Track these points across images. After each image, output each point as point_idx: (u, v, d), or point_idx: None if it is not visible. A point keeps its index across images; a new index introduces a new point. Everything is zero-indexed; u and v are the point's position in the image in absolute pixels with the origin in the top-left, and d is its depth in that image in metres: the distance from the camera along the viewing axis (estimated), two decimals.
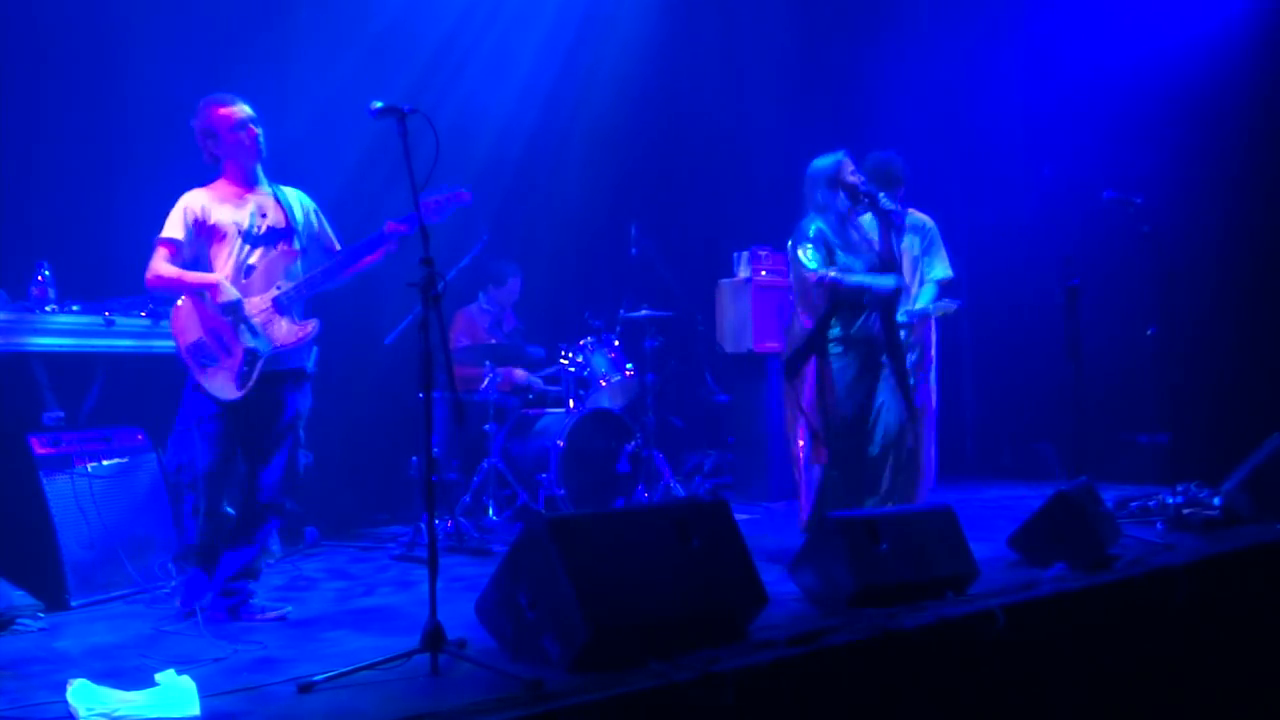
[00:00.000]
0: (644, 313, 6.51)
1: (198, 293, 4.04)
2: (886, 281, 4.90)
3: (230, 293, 4.00)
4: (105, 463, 4.59)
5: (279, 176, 4.40)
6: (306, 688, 3.00)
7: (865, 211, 5.05)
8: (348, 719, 2.81)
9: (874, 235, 5.01)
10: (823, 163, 5.08)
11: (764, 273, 7.29)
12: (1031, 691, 3.73)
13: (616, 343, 6.64)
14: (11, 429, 4.43)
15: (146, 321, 4.89)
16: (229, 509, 4.27)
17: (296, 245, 4.19)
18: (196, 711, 2.82)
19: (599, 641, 3.04)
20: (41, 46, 5.53)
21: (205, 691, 2.93)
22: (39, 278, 4.63)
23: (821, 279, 4.85)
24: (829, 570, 3.82)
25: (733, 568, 3.50)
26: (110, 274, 5.33)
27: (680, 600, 3.32)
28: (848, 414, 4.81)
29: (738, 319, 7.33)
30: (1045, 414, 7.62)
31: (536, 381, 6.78)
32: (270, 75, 6.22)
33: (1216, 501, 5.41)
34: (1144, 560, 4.46)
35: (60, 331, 4.61)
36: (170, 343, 4.96)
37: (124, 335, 4.83)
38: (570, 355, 6.55)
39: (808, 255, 4.97)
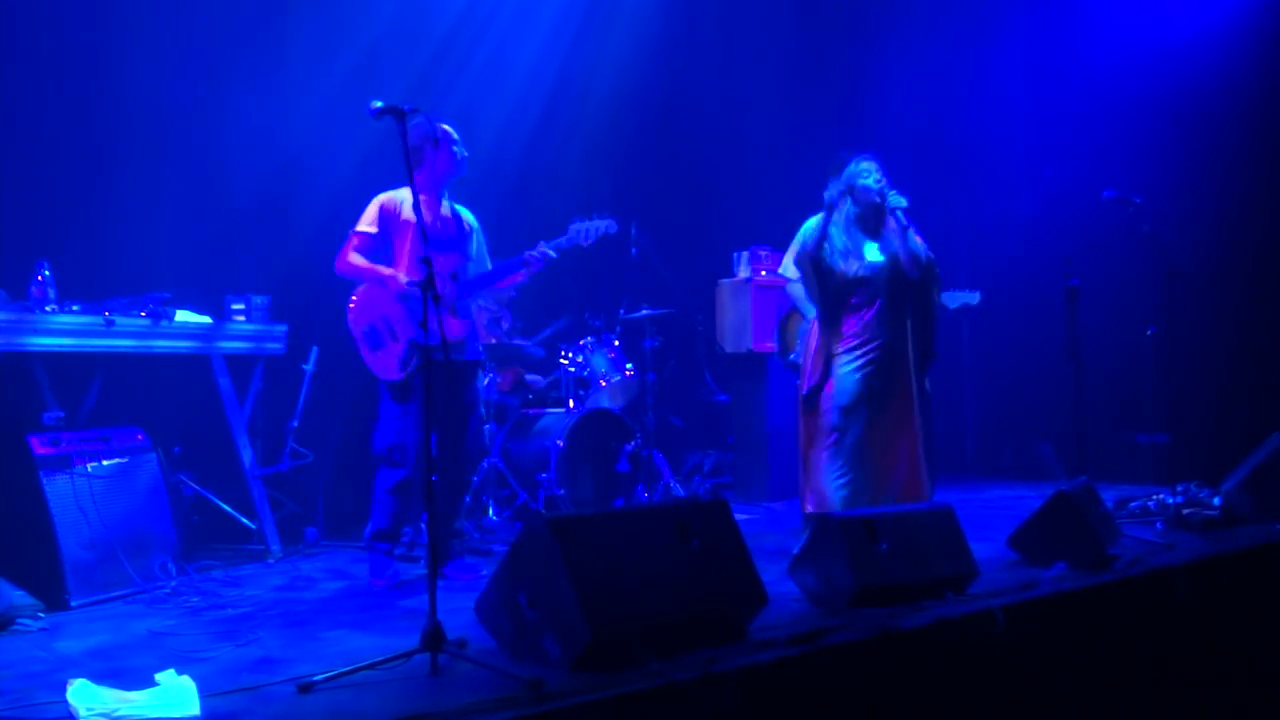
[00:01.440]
0: (644, 313, 6.50)
1: (379, 283, 4.63)
2: (849, 268, 5.00)
3: (403, 285, 4.57)
4: (105, 463, 4.59)
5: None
6: (306, 688, 3.00)
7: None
8: (348, 719, 2.81)
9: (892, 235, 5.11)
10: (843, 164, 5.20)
11: (764, 273, 7.29)
12: (1031, 691, 3.73)
13: (616, 343, 6.64)
14: (11, 429, 4.43)
15: (146, 321, 4.89)
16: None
17: (460, 254, 4.74)
18: (196, 711, 2.82)
19: (599, 641, 3.04)
20: (41, 47, 5.53)
21: (205, 691, 2.93)
22: (39, 278, 4.63)
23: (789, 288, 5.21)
24: (829, 570, 3.82)
25: (733, 568, 3.50)
26: (110, 274, 5.33)
27: (680, 600, 3.31)
28: (851, 407, 4.96)
29: (738, 319, 7.34)
30: (1045, 414, 7.62)
31: (537, 380, 6.78)
32: (270, 75, 6.23)
33: (1216, 501, 5.41)
34: (1144, 560, 4.46)
35: (60, 331, 4.61)
36: (169, 343, 5.05)
37: (124, 335, 4.82)
38: (570, 355, 6.55)
39: (787, 263, 5.32)
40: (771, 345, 7.25)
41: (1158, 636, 4.18)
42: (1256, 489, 5.40)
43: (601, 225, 4.67)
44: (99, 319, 4.72)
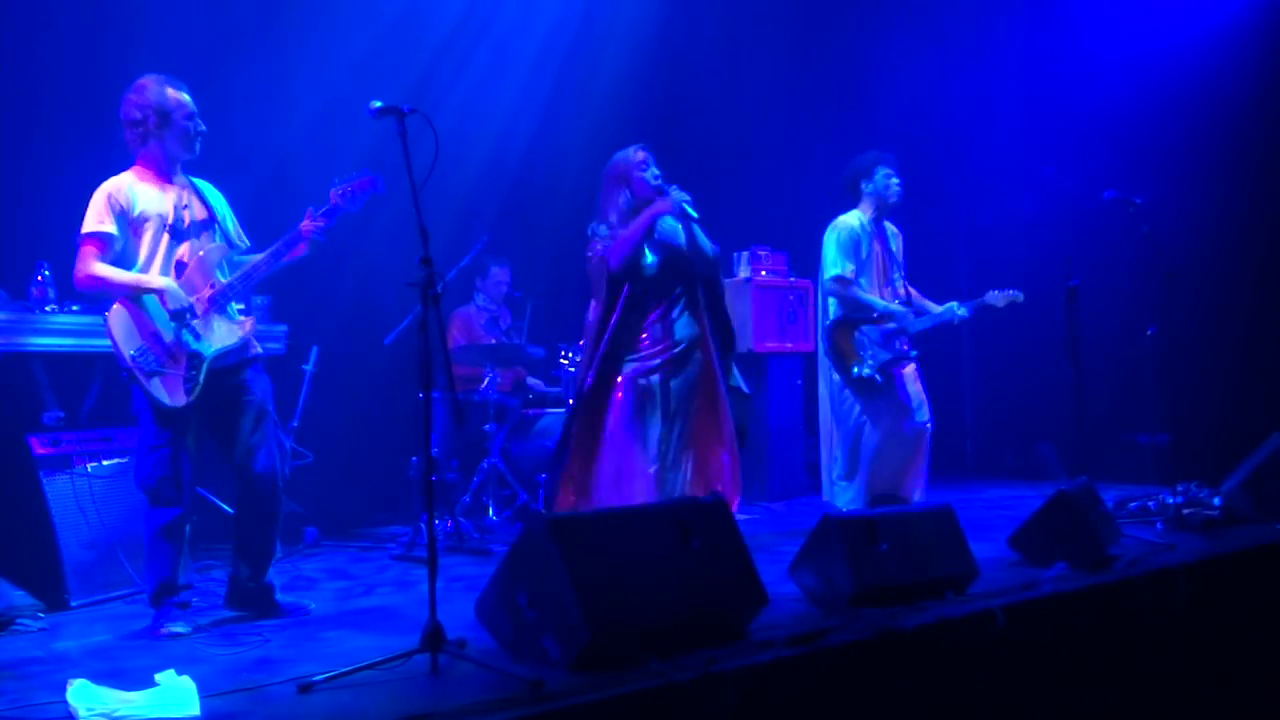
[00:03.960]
0: None
1: (138, 296, 3.83)
2: None
3: (181, 298, 3.85)
4: (105, 463, 4.59)
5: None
6: (306, 688, 3.00)
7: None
8: (348, 719, 2.81)
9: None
10: (616, 156, 5.13)
11: (764, 273, 7.29)
12: (1031, 691, 3.73)
13: None
14: (11, 429, 4.43)
15: None
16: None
17: (219, 239, 4.04)
18: (196, 711, 2.82)
19: (599, 642, 3.03)
20: (41, 46, 5.53)
21: (205, 691, 2.93)
22: (39, 278, 4.64)
23: None
24: (829, 570, 3.82)
25: (733, 568, 3.50)
26: None
27: (680, 600, 3.31)
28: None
29: (737, 319, 7.29)
30: (1045, 414, 7.62)
31: (538, 384, 6.77)
32: (270, 75, 6.22)
33: (1216, 501, 5.41)
34: (1144, 560, 4.47)
35: (60, 331, 4.61)
36: None
37: None
38: (570, 355, 6.54)
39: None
40: (772, 345, 7.26)
41: (1158, 636, 4.18)
42: (1256, 489, 5.41)
43: (359, 184, 4.03)
44: (99, 319, 4.69)
